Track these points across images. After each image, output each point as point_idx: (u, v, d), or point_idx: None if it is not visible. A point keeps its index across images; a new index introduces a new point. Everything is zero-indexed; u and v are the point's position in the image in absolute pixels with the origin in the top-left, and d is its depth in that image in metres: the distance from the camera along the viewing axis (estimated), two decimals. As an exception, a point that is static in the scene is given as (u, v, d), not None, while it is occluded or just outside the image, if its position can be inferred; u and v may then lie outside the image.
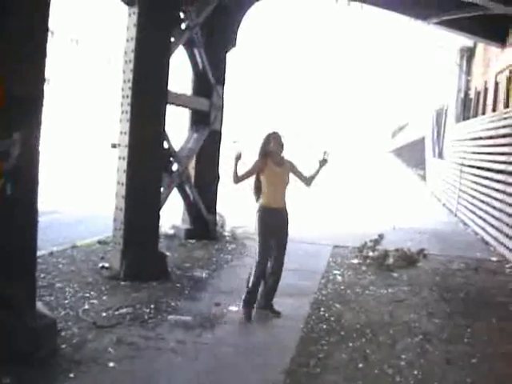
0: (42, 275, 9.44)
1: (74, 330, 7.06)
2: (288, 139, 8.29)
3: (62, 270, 9.96)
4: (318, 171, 8.21)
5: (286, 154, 8.27)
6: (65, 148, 42.67)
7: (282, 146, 8.13)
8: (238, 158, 7.94)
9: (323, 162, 8.17)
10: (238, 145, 8.13)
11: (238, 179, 7.93)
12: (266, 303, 8.23)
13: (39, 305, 6.68)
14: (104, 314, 7.75)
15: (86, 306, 8.04)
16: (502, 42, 18.43)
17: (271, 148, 8.03)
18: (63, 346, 6.54)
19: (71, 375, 5.83)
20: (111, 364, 6.18)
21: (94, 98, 56.78)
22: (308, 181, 8.29)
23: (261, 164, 8.02)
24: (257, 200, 8.21)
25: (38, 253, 10.89)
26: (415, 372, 6.41)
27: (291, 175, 8.22)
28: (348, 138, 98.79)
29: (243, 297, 8.16)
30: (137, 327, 7.36)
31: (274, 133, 8.15)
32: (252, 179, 8.18)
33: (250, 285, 8.12)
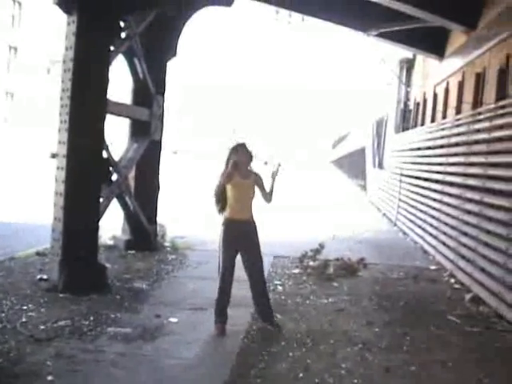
0: (-22, 288, 9.28)
1: (12, 344, 6.93)
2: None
3: (-2, 283, 9.77)
4: (272, 184, 8.14)
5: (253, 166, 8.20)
6: (2, 157, 42.01)
7: (251, 157, 8.07)
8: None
9: (275, 174, 8.13)
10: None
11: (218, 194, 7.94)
12: (265, 318, 8.18)
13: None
14: (42, 327, 7.62)
15: (24, 319, 7.88)
16: (440, 54, 18.77)
17: (238, 159, 7.89)
18: (0, 360, 6.41)
19: (8, 390, 5.73)
20: (50, 377, 6.07)
21: (34, 107, 56.05)
22: (268, 197, 8.22)
23: (230, 174, 7.82)
24: (220, 212, 8.08)
25: (-26, 265, 10.77)
26: (355, 381, 6.45)
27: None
28: (290, 148, 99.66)
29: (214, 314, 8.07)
30: (76, 340, 7.25)
31: (242, 144, 8.07)
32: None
33: (216, 302, 8.03)
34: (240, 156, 7.95)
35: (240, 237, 7.97)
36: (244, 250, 8.04)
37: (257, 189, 8.13)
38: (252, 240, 8.07)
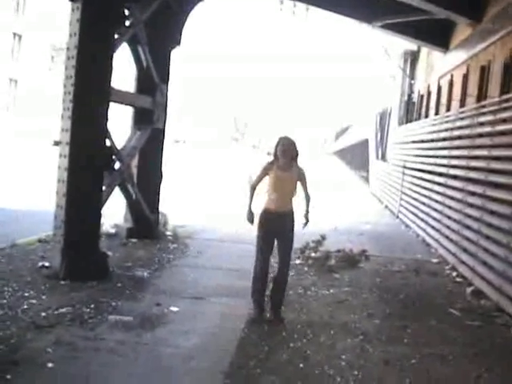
0: (-21, 275, 9.26)
1: (13, 330, 6.93)
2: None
3: (0, 269, 9.75)
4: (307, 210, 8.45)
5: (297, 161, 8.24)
6: (5, 144, 41.98)
7: (292, 150, 8.08)
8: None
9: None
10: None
11: (253, 187, 8.17)
12: (272, 307, 8.27)
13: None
14: (43, 314, 7.61)
15: (25, 306, 7.88)
16: (445, 46, 18.71)
17: (277, 152, 8.05)
18: (1, 346, 6.42)
19: (8, 376, 5.72)
20: (50, 364, 6.07)
21: (38, 95, 55.98)
22: (307, 198, 8.42)
23: (268, 167, 8.06)
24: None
25: (-24, 251, 10.76)
26: (355, 372, 6.46)
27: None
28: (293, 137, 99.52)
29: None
30: (76, 327, 7.25)
31: (285, 137, 8.17)
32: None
33: (251, 286, 8.27)
34: (281, 149, 8.03)
35: (273, 229, 8.07)
36: (277, 240, 8.19)
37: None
38: (286, 233, 8.17)
